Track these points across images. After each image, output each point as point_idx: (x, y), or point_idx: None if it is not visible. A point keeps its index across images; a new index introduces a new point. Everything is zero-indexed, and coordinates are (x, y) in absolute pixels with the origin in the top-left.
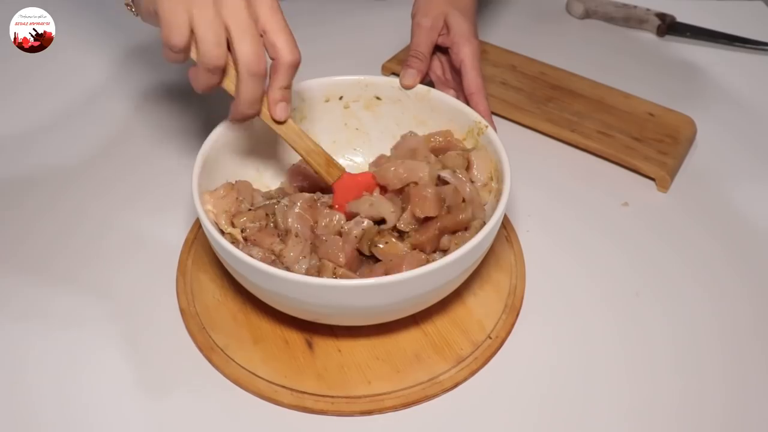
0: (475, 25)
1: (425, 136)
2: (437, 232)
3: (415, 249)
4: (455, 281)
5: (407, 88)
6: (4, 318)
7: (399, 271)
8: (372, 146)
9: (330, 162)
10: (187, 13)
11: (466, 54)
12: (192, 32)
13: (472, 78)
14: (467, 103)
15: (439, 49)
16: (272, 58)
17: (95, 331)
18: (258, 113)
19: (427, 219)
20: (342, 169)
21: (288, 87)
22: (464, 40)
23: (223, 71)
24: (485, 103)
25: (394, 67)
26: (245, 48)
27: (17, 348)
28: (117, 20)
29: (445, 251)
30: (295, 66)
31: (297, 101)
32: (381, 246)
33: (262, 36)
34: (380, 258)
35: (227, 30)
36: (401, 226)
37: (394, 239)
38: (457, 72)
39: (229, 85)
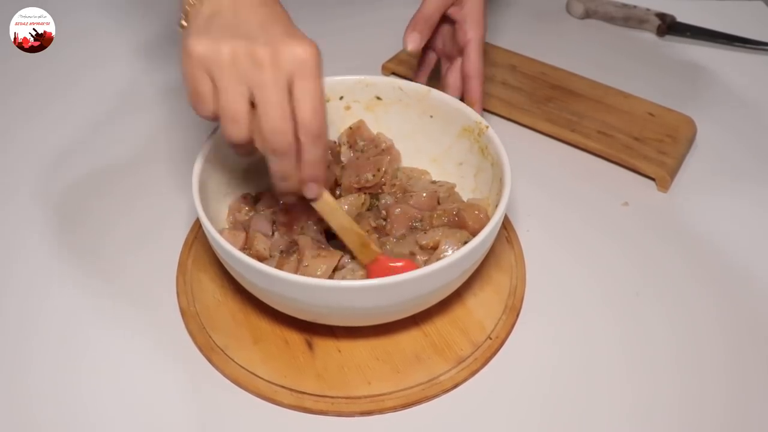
0: (486, 8)
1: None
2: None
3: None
4: (455, 282)
5: (410, 52)
6: (3, 318)
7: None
8: None
9: (365, 243)
10: (209, 83)
11: (473, 36)
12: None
13: (473, 61)
14: (462, 86)
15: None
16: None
17: (95, 331)
18: (295, 189)
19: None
20: (377, 251)
21: (317, 160)
22: (475, 20)
23: (248, 144)
24: (480, 89)
25: (394, 67)
26: (267, 124)
27: (16, 347)
28: (117, 20)
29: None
30: (318, 135)
31: None
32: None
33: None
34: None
35: (253, 96)
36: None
37: None
38: (456, 47)
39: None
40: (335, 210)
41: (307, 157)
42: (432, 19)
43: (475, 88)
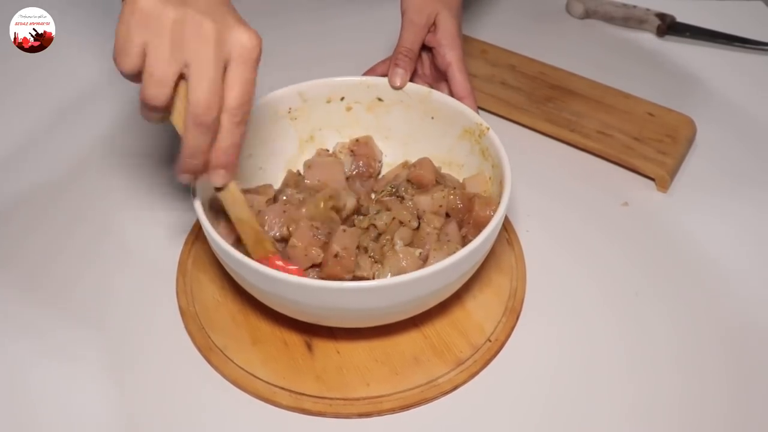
0: (461, 26)
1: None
2: None
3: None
4: (455, 284)
5: (396, 88)
6: (4, 316)
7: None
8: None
9: (258, 239)
10: (142, 39)
11: (453, 57)
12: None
13: (460, 81)
14: None
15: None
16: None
17: (95, 331)
18: (200, 170)
19: None
20: (271, 250)
21: (231, 147)
22: (451, 42)
23: (163, 110)
24: (475, 106)
25: None
26: (196, 95)
27: (16, 347)
28: (117, 20)
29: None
30: (239, 121)
31: (299, 102)
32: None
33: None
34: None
35: (186, 66)
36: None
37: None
38: (438, 71)
39: (178, 121)
40: (238, 202)
41: (224, 143)
42: (412, 52)
43: (470, 106)
